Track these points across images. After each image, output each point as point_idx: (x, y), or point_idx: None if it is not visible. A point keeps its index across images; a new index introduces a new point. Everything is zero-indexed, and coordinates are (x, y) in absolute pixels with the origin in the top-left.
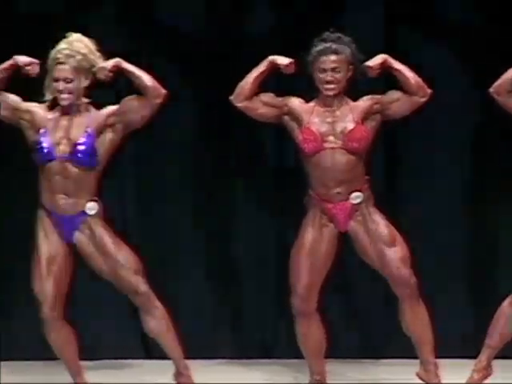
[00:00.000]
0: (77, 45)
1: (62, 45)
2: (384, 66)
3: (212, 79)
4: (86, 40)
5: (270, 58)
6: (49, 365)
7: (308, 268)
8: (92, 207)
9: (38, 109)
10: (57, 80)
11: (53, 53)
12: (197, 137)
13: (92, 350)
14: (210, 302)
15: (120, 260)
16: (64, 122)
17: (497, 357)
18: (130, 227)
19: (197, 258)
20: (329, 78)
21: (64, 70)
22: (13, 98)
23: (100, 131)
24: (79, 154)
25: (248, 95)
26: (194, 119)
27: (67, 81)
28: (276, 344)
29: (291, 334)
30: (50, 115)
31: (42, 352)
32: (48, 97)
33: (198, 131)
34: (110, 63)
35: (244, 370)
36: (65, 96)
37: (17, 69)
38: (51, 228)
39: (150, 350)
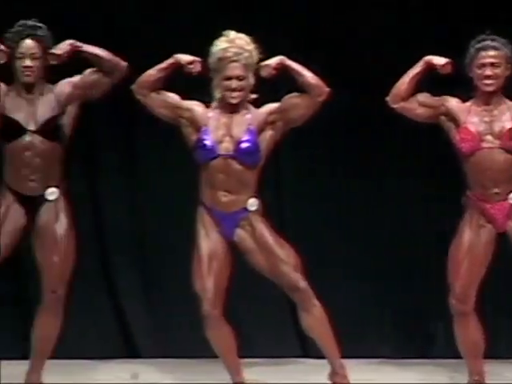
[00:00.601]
0: (239, 42)
1: (224, 44)
2: None
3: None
4: (244, 37)
5: (426, 58)
6: (207, 363)
7: (466, 268)
8: (253, 203)
9: (197, 107)
10: (229, 78)
11: (217, 52)
12: (352, 137)
13: (249, 347)
14: (367, 301)
15: (281, 256)
16: (224, 119)
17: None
18: (286, 225)
19: (353, 258)
20: (488, 73)
21: (236, 68)
22: (173, 97)
23: (261, 128)
24: (243, 152)
25: (404, 96)
26: (353, 121)
27: (240, 78)
28: (434, 343)
29: (449, 333)
30: (210, 113)
31: (199, 350)
32: (217, 96)
33: (355, 133)
34: (275, 61)
35: (400, 370)
36: (236, 94)
37: (178, 67)
38: (212, 225)
39: (307, 348)
